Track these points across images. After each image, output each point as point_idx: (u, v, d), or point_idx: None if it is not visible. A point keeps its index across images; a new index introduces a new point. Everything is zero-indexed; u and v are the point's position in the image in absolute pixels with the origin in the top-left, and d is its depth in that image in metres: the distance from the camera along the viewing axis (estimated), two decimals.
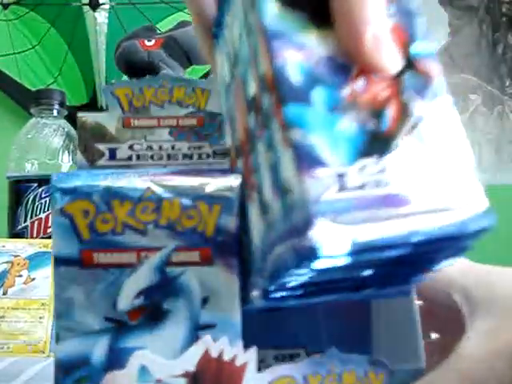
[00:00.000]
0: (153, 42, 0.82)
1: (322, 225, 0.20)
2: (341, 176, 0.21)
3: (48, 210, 0.74)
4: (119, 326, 0.27)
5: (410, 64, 0.24)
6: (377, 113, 0.23)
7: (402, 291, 0.29)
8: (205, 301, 0.27)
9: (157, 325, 0.27)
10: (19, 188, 0.75)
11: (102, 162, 0.39)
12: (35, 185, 0.74)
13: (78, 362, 0.27)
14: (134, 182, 0.27)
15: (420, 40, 0.25)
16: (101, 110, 1.34)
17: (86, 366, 0.27)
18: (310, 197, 0.20)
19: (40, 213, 0.74)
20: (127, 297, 0.27)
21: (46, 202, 0.74)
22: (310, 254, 0.20)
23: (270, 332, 0.31)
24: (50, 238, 0.73)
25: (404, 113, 0.23)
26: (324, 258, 0.20)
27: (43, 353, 0.58)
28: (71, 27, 1.36)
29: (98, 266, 0.27)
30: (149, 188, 0.27)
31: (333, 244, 0.20)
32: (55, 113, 0.78)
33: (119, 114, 0.42)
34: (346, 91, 0.23)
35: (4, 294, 0.60)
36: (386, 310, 0.32)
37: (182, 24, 0.85)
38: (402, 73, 0.23)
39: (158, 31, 0.86)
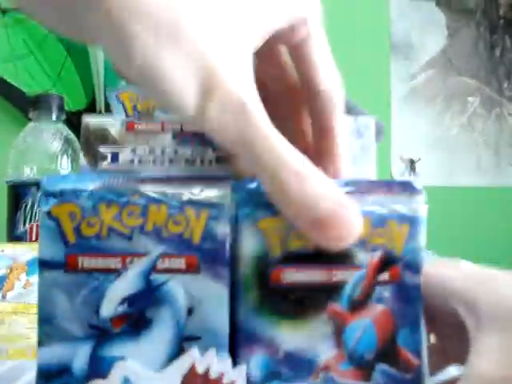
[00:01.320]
0: None
1: None
2: None
3: None
4: (102, 334, 0.26)
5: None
6: None
7: None
8: (190, 311, 0.26)
9: (141, 334, 0.26)
10: (18, 192, 0.75)
11: (104, 165, 0.39)
12: (34, 189, 0.74)
13: (59, 369, 0.26)
14: (121, 185, 0.27)
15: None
16: (99, 114, 1.34)
17: (67, 375, 0.26)
18: None
19: (39, 217, 0.74)
20: (111, 303, 0.26)
21: None
22: None
23: None
24: None
25: None
26: None
27: None
28: None
29: (82, 270, 0.26)
30: (136, 192, 0.27)
31: None
32: (54, 117, 0.78)
33: (123, 117, 0.42)
34: None
35: (3, 297, 0.60)
36: None
37: None
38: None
39: None
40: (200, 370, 0.25)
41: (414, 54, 2.12)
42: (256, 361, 0.26)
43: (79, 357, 0.26)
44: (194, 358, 0.25)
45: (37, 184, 0.74)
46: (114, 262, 0.26)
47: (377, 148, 0.75)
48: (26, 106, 0.83)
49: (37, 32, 1.37)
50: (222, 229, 0.26)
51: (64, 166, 0.76)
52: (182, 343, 0.26)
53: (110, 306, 0.26)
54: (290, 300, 0.26)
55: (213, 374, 0.25)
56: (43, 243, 0.26)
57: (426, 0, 2.13)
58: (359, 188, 0.27)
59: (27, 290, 0.60)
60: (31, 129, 0.78)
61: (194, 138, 0.38)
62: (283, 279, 0.26)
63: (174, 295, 0.26)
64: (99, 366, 0.26)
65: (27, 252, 0.63)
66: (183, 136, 0.39)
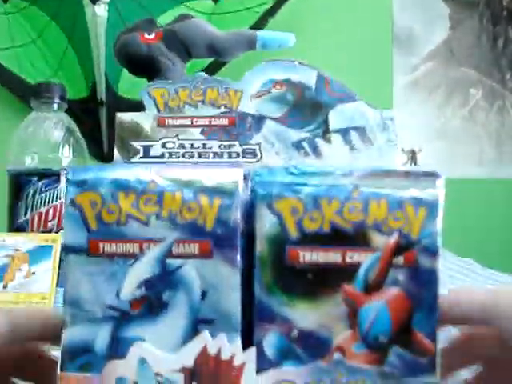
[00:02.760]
0: (153, 35, 0.82)
1: None
2: None
3: (48, 203, 0.74)
4: (121, 315, 0.28)
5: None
6: None
7: None
8: (204, 294, 0.27)
9: (157, 316, 0.28)
10: (19, 182, 0.75)
11: (136, 158, 0.40)
12: (35, 178, 0.74)
13: (82, 348, 0.28)
14: (138, 174, 0.28)
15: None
16: (100, 103, 1.33)
17: (89, 353, 0.28)
18: None
19: (40, 206, 0.74)
20: (129, 287, 0.28)
21: (46, 195, 0.74)
22: None
23: None
24: (50, 231, 0.73)
25: None
26: None
27: None
28: (71, 20, 1.35)
29: (103, 255, 0.28)
30: (152, 180, 0.28)
31: None
32: (55, 106, 0.78)
33: (155, 113, 0.44)
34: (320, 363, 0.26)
35: (4, 287, 0.60)
36: None
37: (182, 17, 0.85)
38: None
39: (158, 24, 0.85)
40: (212, 351, 0.26)
41: (416, 46, 2.11)
42: (271, 339, 0.26)
43: (100, 337, 0.28)
44: (207, 339, 0.26)
45: (38, 173, 0.74)
46: (132, 247, 0.28)
47: None
48: (28, 94, 0.83)
49: (38, 20, 1.37)
50: (234, 215, 0.27)
51: (66, 154, 0.76)
52: (195, 326, 0.27)
53: (128, 290, 0.28)
54: (305, 280, 0.26)
55: (224, 356, 0.26)
56: (67, 229, 0.28)
57: None
58: (376, 173, 0.28)
59: (28, 279, 0.60)
60: (33, 118, 0.78)
61: (222, 132, 0.41)
62: (299, 259, 0.27)
63: (188, 279, 0.28)
64: (118, 346, 0.27)
65: (28, 242, 0.63)
66: (211, 130, 0.41)
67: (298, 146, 0.38)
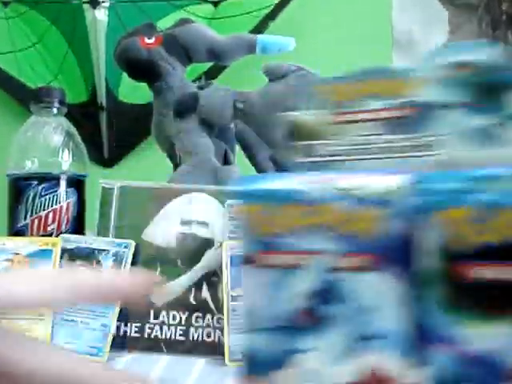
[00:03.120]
0: (153, 39, 0.82)
1: None
2: None
3: (48, 207, 0.74)
4: (286, 327, 0.28)
5: None
6: None
7: None
8: (366, 309, 0.26)
9: (320, 329, 0.27)
10: (19, 186, 0.75)
11: (308, 159, 0.38)
12: (35, 182, 0.74)
13: (250, 357, 0.28)
14: (300, 184, 0.28)
15: None
16: (101, 108, 1.34)
17: (257, 362, 0.28)
18: None
19: (40, 210, 0.74)
20: (293, 299, 0.28)
21: (46, 199, 0.74)
22: None
23: None
24: (50, 235, 0.73)
25: None
26: None
27: None
28: (72, 25, 1.36)
29: (268, 266, 0.28)
30: (314, 190, 0.27)
31: None
32: (55, 111, 0.78)
33: (326, 111, 0.40)
34: None
35: None
36: None
37: (182, 22, 0.85)
38: None
39: (158, 29, 0.85)
40: (376, 368, 0.25)
41: (415, 50, 2.11)
42: (441, 361, 0.24)
43: (267, 347, 0.28)
44: (372, 356, 0.25)
45: (38, 177, 0.74)
46: (295, 259, 0.27)
47: None
48: (28, 99, 0.83)
49: (38, 24, 1.37)
50: (397, 226, 0.25)
51: (66, 159, 0.76)
52: (359, 341, 0.26)
53: (293, 302, 0.28)
54: (479, 298, 0.24)
55: (390, 374, 0.25)
56: (241, 240, 0.29)
57: None
58: None
59: None
60: (32, 122, 0.78)
61: (397, 125, 0.36)
62: (472, 275, 0.24)
63: (350, 293, 0.26)
64: (284, 357, 0.27)
65: (28, 245, 0.63)
66: (386, 124, 0.36)
67: (484, 134, 0.34)
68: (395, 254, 0.25)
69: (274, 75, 0.79)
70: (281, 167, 0.80)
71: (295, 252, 0.27)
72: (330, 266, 0.27)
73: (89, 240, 0.64)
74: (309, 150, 0.39)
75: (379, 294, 0.26)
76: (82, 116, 1.29)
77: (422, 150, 0.36)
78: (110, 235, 0.66)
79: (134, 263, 0.63)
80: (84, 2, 1.32)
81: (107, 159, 1.35)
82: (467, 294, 0.24)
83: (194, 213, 0.65)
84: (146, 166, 1.25)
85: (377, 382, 0.25)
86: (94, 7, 1.31)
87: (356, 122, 0.37)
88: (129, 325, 0.62)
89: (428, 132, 0.36)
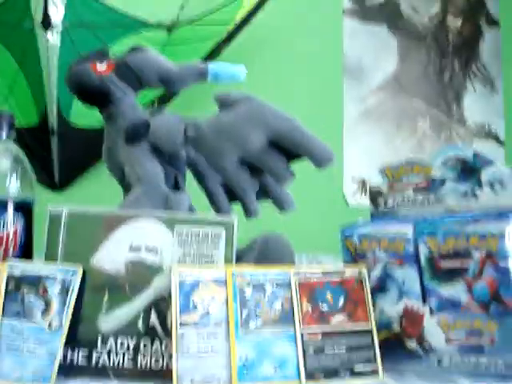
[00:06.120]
0: (105, 66, 0.83)
1: None
2: None
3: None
4: None
5: None
6: None
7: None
8: None
9: None
10: None
11: (380, 209, 0.73)
12: None
13: None
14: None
15: None
16: (52, 131, 1.33)
17: None
18: None
19: None
20: None
21: None
22: None
23: None
24: None
25: None
26: None
27: None
28: (23, 47, 1.35)
29: None
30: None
31: None
32: (4, 135, 0.78)
33: (387, 181, 0.75)
34: None
35: None
36: None
37: (135, 49, 0.86)
38: None
39: (111, 55, 0.86)
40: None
41: (365, 77, 2.16)
42: (432, 301, 0.43)
43: None
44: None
45: None
46: None
47: (329, 169, 0.80)
48: None
49: None
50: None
51: (13, 184, 0.76)
52: None
53: None
54: (443, 275, 0.40)
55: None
56: None
57: (378, 24, 2.19)
58: None
59: None
60: None
61: (426, 189, 0.70)
62: (442, 266, 0.40)
63: None
64: None
65: None
66: (420, 190, 0.70)
67: (465, 194, 0.68)
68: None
69: (224, 104, 0.80)
70: (231, 194, 0.81)
71: None
72: None
73: (36, 266, 0.63)
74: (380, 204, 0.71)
75: None
76: (33, 140, 1.28)
77: (435, 202, 0.68)
78: (58, 261, 0.65)
79: (81, 290, 0.62)
80: (36, 25, 1.32)
81: (58, 183, 1.34)
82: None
83: (142, 239, 0.66)
84: (97, 190, 1.24)
85: None
86: (46, 28, 1.31)
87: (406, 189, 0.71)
88: (76, 351, 0.61)
89: (437, 193, 0.68)
